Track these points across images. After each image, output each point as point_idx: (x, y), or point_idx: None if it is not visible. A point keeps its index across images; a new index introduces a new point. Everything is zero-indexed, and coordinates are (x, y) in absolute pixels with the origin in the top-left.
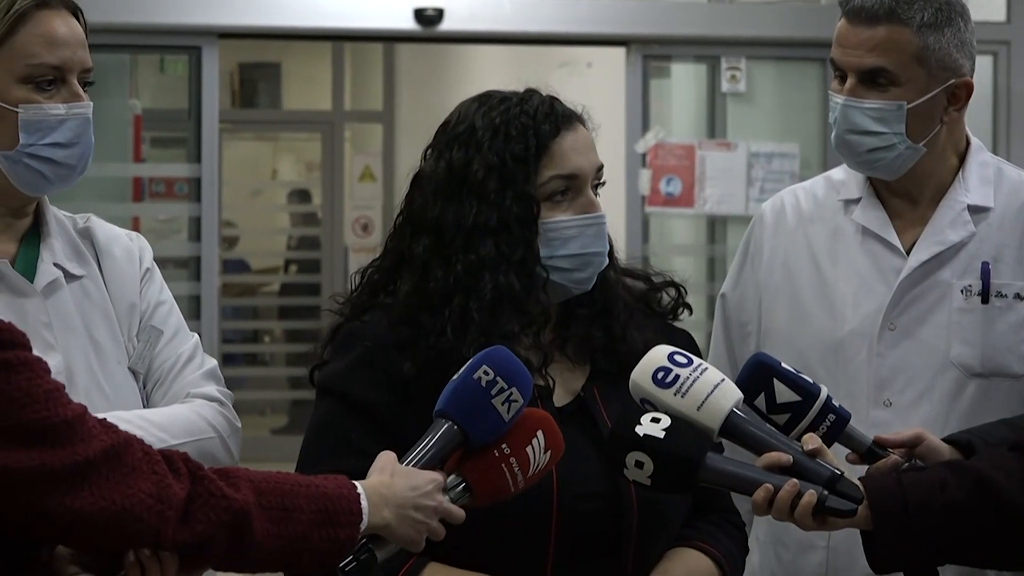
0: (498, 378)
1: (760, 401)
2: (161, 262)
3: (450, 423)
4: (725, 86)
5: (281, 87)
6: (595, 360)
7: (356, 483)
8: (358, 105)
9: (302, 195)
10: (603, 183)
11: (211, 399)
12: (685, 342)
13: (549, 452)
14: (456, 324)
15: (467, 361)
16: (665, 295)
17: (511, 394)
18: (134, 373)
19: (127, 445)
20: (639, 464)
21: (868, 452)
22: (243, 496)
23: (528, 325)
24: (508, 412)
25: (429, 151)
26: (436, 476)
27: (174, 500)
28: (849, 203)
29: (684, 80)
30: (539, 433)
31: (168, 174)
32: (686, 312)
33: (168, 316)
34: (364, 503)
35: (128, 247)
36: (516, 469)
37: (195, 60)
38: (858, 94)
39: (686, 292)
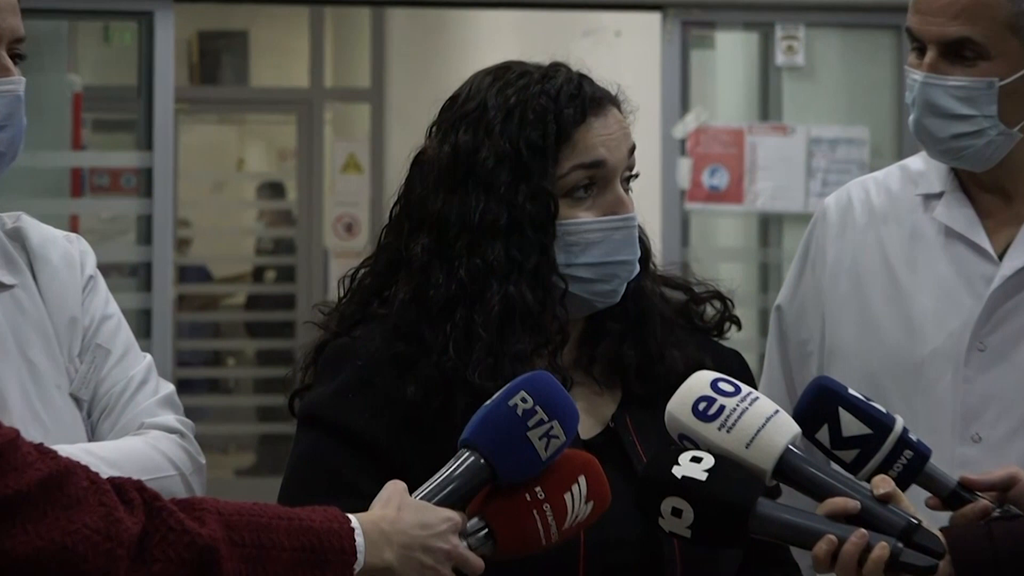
0: (538, 407)
1: (823, 434)
2: (105, 269)
3: (476, 456)
4: (780, 58)
5: (249, 60)
6: (627, 383)
7: (351, 516)
8: (341, 82)
9: (274, 189)
10: (636, 175)
11: (170, 430)
12: (734, 363)
13: (591, 504)
14: (459, 341)
15: (470, 385)
16: (709, 307)
17: (551, 428)
18: (76, 400)
19: (69, 473)
20: (677, 512)
21: (952, 495)
22: (209, 531)
23: (543, 344)
24: (546, 449)
25: (434, 129)
26: (452, 515)
27: (126, 536)
28: (930, 198)
29: (731, 51)
30: (581, 479)
31: (113, 164)
32: (733, 328)
33: (116, 333)
34: (360, 540)
35: (67, 251)
36: (550, 518)
37: (146, 28)
38: (940, 70)
39: (733, 304)
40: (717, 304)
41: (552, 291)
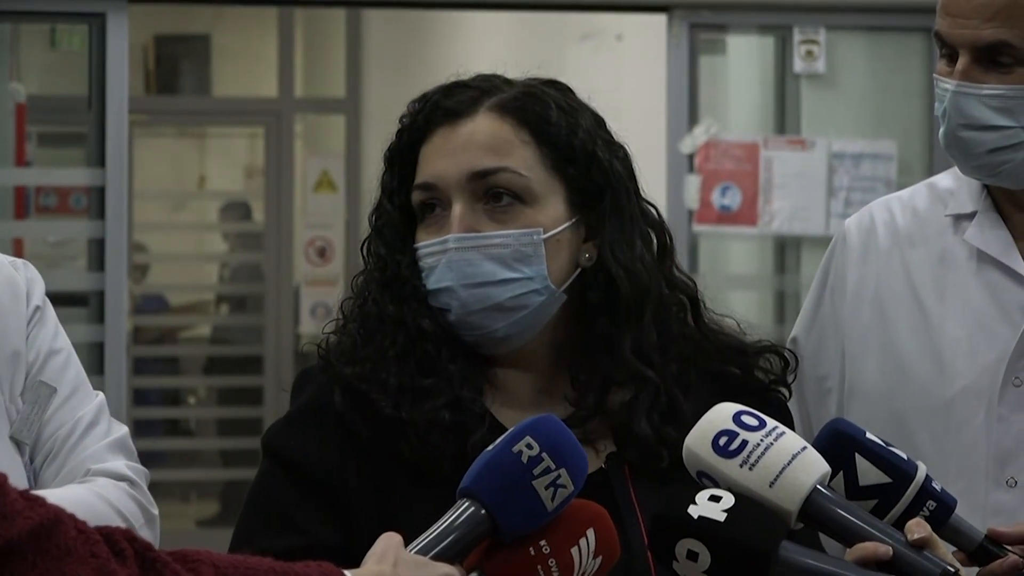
0: (544, 454)
1: (838, 482)
2: (52, 298)
3: (476, 506)
4: (798, 65)
5: (211, 67)
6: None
7: (347, 573)
8: (313, 91)
9: (239, 209)
10: (513, 193)
11: (119, 477)
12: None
13: (600, 559)
14: (343, 347)
15: (365, 396)
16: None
17: (558, 477)
18: (18, 443)
19: (58, 522)
20: (692, 555)
21: (979, 550)
22: None
23: (409, 350)
24: (552, 499)
25: None
26: (451, 571)
27: None
28: (960, 219)
29: (744, 57)
30: (589, 532)
31: (61, 182)
32: (784, 390)
33: (64, 369)
34: None
35: (11, 278)
36: (555, 574)
37: (97, 31)
38: (974, 77)
39: (795, 364)
40: (772, 361)
41: (413, 306)
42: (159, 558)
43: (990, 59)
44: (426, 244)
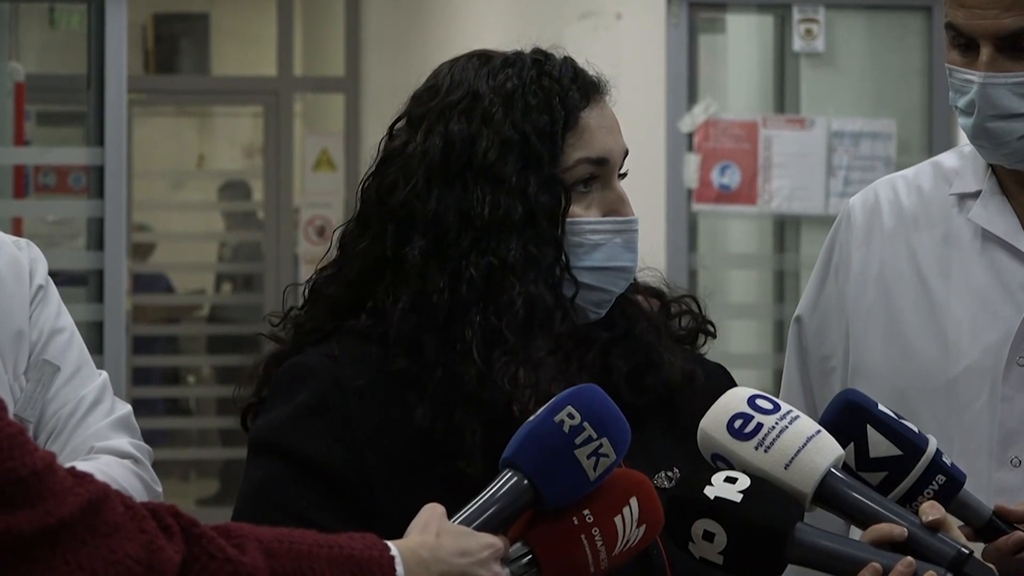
0: (586, 424)
1: (848, 453)
2: (51, 277)
3: (519, 476)
4: (798, 44)
5: (210, 46)
6: (617, 395)
7: (390, 543)
8: (312, 70)
9: (238, 188)
10: (624, 174)
11: (123, 455)
12: (723, 380)
13: (644, 527)
14: (480, 346)
15: (487, 401)
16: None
17: (600, 446)
18: (21, 421)
19: (106, 499)
20: (708, 536)
21: (987, 526)
22: (251, 559)
23: (555, 350)
24: (595, 469)
25: (402, 123)
26: (494, 541)
27: (168, 566)
28: (965, 198)
29: (744, 36)
30: (632, 501)
31: (60, 161)
32: (708, 341)
33: (67, 348)
34: (400, 569)
35: (15, 258)
36: (599, 544)
37: (95, 10)
38: (999, 67)
39: (705, 317)
40: (692, 310)
41: (564, 290)
42: (204, 533)
43: (1012, 46)
44: (614, 220)
